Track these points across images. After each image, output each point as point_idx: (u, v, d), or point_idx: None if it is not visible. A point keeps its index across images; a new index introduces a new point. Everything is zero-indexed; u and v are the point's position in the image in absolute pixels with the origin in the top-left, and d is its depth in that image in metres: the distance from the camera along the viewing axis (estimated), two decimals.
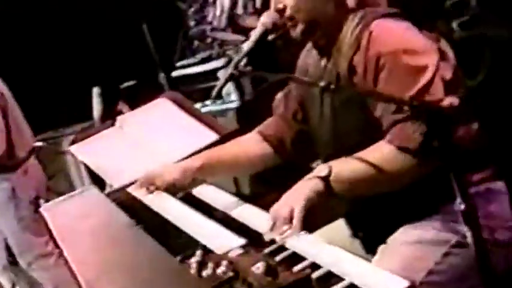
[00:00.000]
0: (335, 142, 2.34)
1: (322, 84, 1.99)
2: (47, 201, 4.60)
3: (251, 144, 2.69)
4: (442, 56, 2.15)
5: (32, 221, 4.38)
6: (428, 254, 2.17)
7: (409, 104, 1.75)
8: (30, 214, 4.43)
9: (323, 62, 2.38)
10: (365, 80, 2.18)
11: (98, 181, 3.28)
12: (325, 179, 2.14)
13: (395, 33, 2.20)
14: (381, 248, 2.26)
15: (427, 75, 2.08)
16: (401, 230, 2.24)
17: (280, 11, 2.32)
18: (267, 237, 2.05)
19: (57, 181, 5.84)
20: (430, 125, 1.71)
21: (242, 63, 2.29)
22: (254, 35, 2.38)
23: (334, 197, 2.17)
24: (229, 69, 2.31)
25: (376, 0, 2.33)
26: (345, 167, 2.17)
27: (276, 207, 2.14)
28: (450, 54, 2.20)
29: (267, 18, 2.37)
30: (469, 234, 1.74)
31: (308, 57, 2.53)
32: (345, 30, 2.27)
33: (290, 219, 2.06)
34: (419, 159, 2.06)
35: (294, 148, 2.64)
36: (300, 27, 2.32)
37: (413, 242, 2.19)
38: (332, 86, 1.98)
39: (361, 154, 2.14)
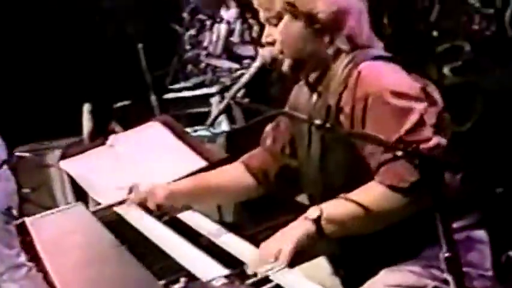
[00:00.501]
0: (322, 179, 2.36)
1: (317, 122, 2.02)
2: (21, 212, 4.60)
3: (235, 174, 2.71)
4: (429, 99, 2.19)
5: (3, 231, 4.35)
6: None
7: (402, 149, 1.77)
8: (2, 225, 4.41)
9: (314, 98, 2.41)
10: (352, 119, 2.21)
11: (81, 197, 3.27)
12: (317, 221, 2.15)
13: (383, 75, 2.23)
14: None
15: (414, 117, 2.12)
16: (382, 273, 2.25)
17: (270, 44, 2.36)
18: (250, 271, 2.04)
19: (40, 194, 5.80)
20: (420, 166, 1.72)
21: (239, 94, 2.33)
22: (253, 66, 2.41)
23: (325, 238, 2.18)
24: (226, 99, 2.34)
25: (370, 44, 2.35)
26: (337, 209, 2.19)
27: (266, 244, 2.15)
28: (437, 98, 2.24)
29: (266, 52, 2.39)
30: (451, 282, 1.75)
31: (300, 93, 2.54)
32: (334, 69, 2.30)
33: (277, 259, 2.07)
34: (411, 198, 2.08)
35: (277, 182, 2.65)
36: (287, 62, 2.36)
37: (392, 286, 2.21)
38: (328, 125, 2.01)
39: (352, 195, 2.16)
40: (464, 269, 2.07)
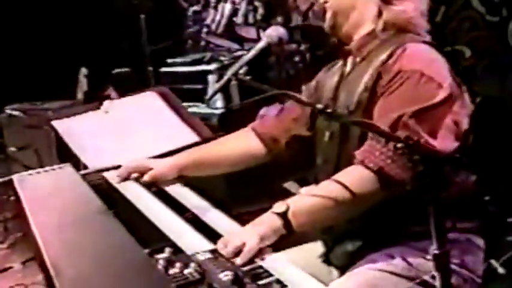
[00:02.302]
0: (338, 151, 2.35)
1: (319, 106, 2.01)
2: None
3: (244, 140, 2.72)
4: (458, 99, 2.19)
5: None
6: (389, 284, 2.17)
7: (403, 141, 1.75)
8: None
9: (346, 70, 2.42)
10: (381, 87, 2.21)
11: (65, 161, 3.25)
12: (283, 215, 2.10)
13: (422, 57, 2.23)
14: (349, 270, 2.26)
15: (431, 101, 2.11)
16: (371, 255, 2.25)
17: None
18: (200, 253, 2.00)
19: (26, 154, 5.79)
20: (423, 166, 1.71)
21: (241, 71, 2.31)
22: (258, 45, 2.40)
23: (294, 233, 2.13)
24: (228, 75, 2.32)
25: (421, 32, 2.35)
26: (303, 201, 2.17)
27: (228, 236, 2.08)
28: (468, 102, 2.23)
29: (273, 32, 2.39)
30: (438, 279, 1.74)
31: (328, 72, 2.57)
32: (382, 43, 2.32)
33: (237, 253, 1.99)
34: (378, 180, 2.09)
35: (287, 150, 2.66)
36: (329, 13, 2.39)
37: (379, 270, 2.19)
38: (328, 110, 2.00)
39: (324, 182, 2.17)
40: (458, 269, 2.10)
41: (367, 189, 2.11)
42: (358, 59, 2.38)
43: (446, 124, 2.12)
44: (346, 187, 2.10)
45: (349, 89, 2.33)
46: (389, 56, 2.24)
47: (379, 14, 2.34)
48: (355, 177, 2.13)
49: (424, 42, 2.31)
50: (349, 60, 2.43)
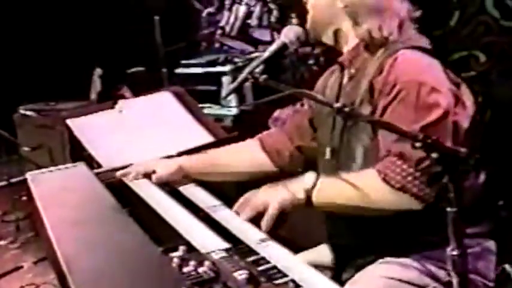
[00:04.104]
0: (340, 162, 2.35)
1: (337, 105, 1.99)
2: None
3: (249, 151, 2.73)
4: (458, 101, 2.16)
5: None
6: None
7: (422, 140, 1.73)
8: None
9: (344, 81, 2.41)
10: (378, 102, 2.19)
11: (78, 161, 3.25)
12: (309, 191, 2.16)
13: (417, 65, 2.21)
14: (359, 274, 2.26)
15: (437, 113, 2.09)
16: (383, 261, 2.24)
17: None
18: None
19: (39, 154, 5.80)
20: (441, 166, 1.69)
21: (257, 70, 2.31)
22: (275, 44, 2.40)
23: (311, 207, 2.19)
24: (244, 73, 2.31)
25: (408, 37, 2.33)
26: (331, 186, 2.19)
27: (251, 194, 2.19)
28: (469, 102, 2.19)
29: (291, 32, 2.38)
30: (455, 281, 1.72)
31: (329, 78, 2.57)
32: (373, 53, 2.31)
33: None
34: (398, 197, 2.08)
35: (290, 162, 2.68)
36: (308, 20, 2.44)
37: (391, 278, 2.19)
38: (346, 109, 1.98)
39: (349, 177, 2.17)
40: (471, 276, 2.07)
41: (386, 203, 2.12)
42: (352, 71, 2.38)
43: (448, 129, 2.10)
44: (368, 186, 2.13)
45: (347, 101, 2.31)
46: (381, 67, 2.22)
47: (355, 25, 2.35)
48: (377, 191, 2.12)
49: (414, 47, 2.27)
50: (346, 71, 2.43)
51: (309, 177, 2.21)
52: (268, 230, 2.10)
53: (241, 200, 2.22)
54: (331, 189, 2.18)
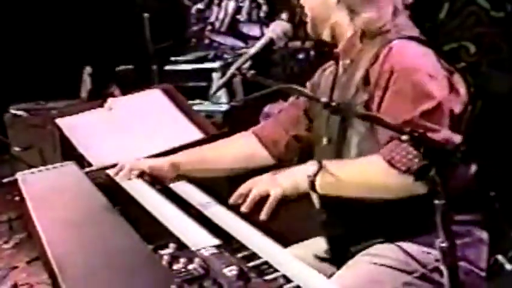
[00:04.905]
0: (336, 153, 2.36)
1: (323, 100, 2.00)
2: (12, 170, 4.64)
3: (246, 143, 2.73)
4: (453, 89, 2.17)
5: None
6: (388, 278, 2.18)
7: (408, 132, 1.73)
8: None
9: (340, 72, 2.44)
10: (374, 92, 2.21)
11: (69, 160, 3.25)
12: (312, 176, 2.15)
13: (412, 54, 2.22)
14: (348, 263, 2.27)
15: (434, 101, 2.10)
16: (372, 248, 2.26)
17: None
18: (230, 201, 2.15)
19: (30, 154, 5.79)
20: (425, 154, 1.69)
21: (245, 66, 2.31)
22: (262, 39, 2.40)
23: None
24: (232, 69, 2.32)
25: (402, 28, 2.34)
26: (334, 170, 2.16)
27: (251, 183, 2.19)
28: (462, 90, 2.20)
29: (278, 27, 2.39)
30: (445, 273, 1.73)
31: (322, 76, 2.60)
32: (365, 44, 2.33)
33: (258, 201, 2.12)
34: (405, 181, 2.05)
35: (286, 152, 2.69)
36: (308, 22, 2.46)
37: (379, 265, 2.21)
38: (333, 104, 1.99)
39: (352, 162, 2.19)
40: (460, 263, 2.07)
41: (392, 187, 2.11)
42: (347, 61, 2.40)
43: (446, 115, 2.11)
44: (373, 171, 2.14)
45: (342, 92, 2.36)
46: (376, 56, 2.24)
47: (351, 19, 2.36)
48: (383, 174, 2.11)
49: (409, 37, 2.28)
50: (341, 63, 2.45)
51: (312, 163, 2.20)
52: (268, 217, 2.10)
53: (240, 189, 2.22)
54: (336, 173, 2.16)
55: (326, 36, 2.46)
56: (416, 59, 2.20)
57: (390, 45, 2.23)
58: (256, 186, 2.19)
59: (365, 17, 2.34)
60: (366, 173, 2.14)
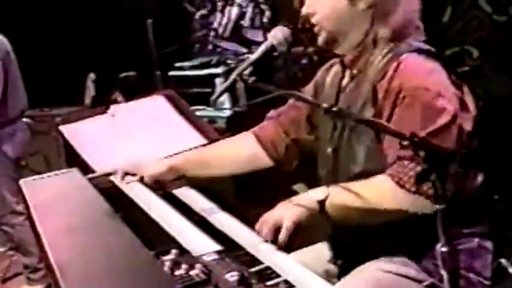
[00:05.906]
0: (339, 161, 2.35)
1: (324, 105, 2.00)
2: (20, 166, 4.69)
3: (245, 144, 2.72)
4: (463, 105, 2.13)
5: (10, 178, 4.52)
6: (395, 286, 2.18)
7: (407, 139, 1.73)
8: (11, 172, 4.59)
9: (345, 80, 2.40)
10: (382, 108, 2.17)
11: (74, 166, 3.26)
12: (322, 202, 2.13)
13: (421, 70, 2.17)
14: (356, 268, 2.25)
15: (444, 119, 2.06)
16: (380, 259, 2.24)
17: (310, 15, 2.36)
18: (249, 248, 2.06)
19: (35, 160, 5.81)
20: (428, 164, 1.69)
21: (246, 72, 2.31)
22: (263, 45, 2.39)
23: (326, 220, 2.17)
24: (233, 76, 2.32)
25: (416, 36, 2.30)
26: (343, 195, 2.14)
27: (267, 214, 2.14)
28: (471, 105, 2.16)
29: (279, 33, 2.37)
30: (445, 277, 1.72)
31: (327, 75, 2.54)
32: (374, 54, 2.27)
33: (275, 230, 2.08)
34: (415, 200, 2.04)
35: (286, 155, 2.67)
36: (323, 34, 2.35)
37: (387, 272, 2.19)
38: (334, 109, 1.99)
39: (360, 184, 2.14)
40: (466, 273, 2.11)
41: (402, 207, 2.08)
42: (354, 71, 2.36)
43: (454, 134, 2.08)
44: (381, 193, 2.11)
45: (348, 102, 2.32)
46: (384, 70, 2.19)
47: (371, 27, 2.28)
48: (391, 196, 2.09)
49: (418, 50, 2.23)
50: (347, 72, 2.41)
51: (320, 190, 2.18)
52: (285, 243, 2.07)
53: (259, 221, 2.16)
54: (344, 196, 2.14)
55: (347, 47, 2.36)
56: (425, 76, 2.15)
57: (399, 60, 2.17)
58: (271, 216, 2.14)
59: (387, 26, 2.27)
60: (374, 194, 2.11)
